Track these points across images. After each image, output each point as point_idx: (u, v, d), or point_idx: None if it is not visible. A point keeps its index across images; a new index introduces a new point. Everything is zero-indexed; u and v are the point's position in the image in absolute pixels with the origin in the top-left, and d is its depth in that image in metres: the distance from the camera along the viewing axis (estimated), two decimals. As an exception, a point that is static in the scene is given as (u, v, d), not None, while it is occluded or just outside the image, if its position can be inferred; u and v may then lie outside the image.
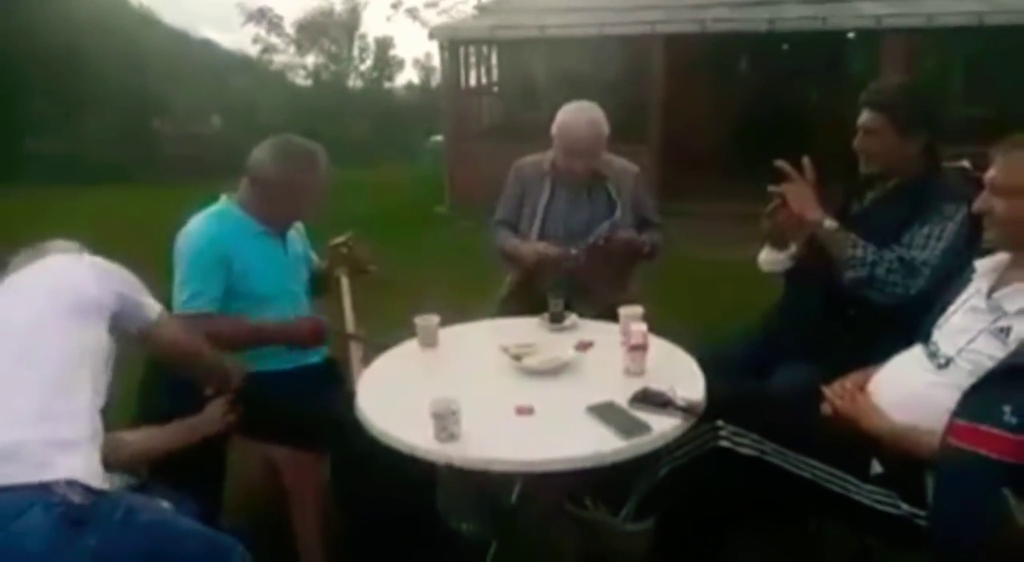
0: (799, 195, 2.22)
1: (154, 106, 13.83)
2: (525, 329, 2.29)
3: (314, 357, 2.40)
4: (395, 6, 15.65)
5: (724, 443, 1.83)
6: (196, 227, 2.24)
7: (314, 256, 2.55)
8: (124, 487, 2.00)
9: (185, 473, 2.06)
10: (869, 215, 2.27)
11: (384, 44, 15.15)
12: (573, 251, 2.69)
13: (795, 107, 8.67)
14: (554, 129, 2.78)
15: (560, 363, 1.99)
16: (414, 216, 8.02)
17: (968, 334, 1.67)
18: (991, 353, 1.59)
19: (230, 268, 2.18)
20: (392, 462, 2.03)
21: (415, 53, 16.04)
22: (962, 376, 1.62)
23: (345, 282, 2.42)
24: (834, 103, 9.12)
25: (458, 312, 2.53)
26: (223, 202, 2.30)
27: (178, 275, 2.19)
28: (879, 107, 2.18)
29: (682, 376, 1.94)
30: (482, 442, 1.66)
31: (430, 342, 2.19)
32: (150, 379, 2.29)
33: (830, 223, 2.19)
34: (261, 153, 2.21)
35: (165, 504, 1.87)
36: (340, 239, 2.46)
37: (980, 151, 2.22)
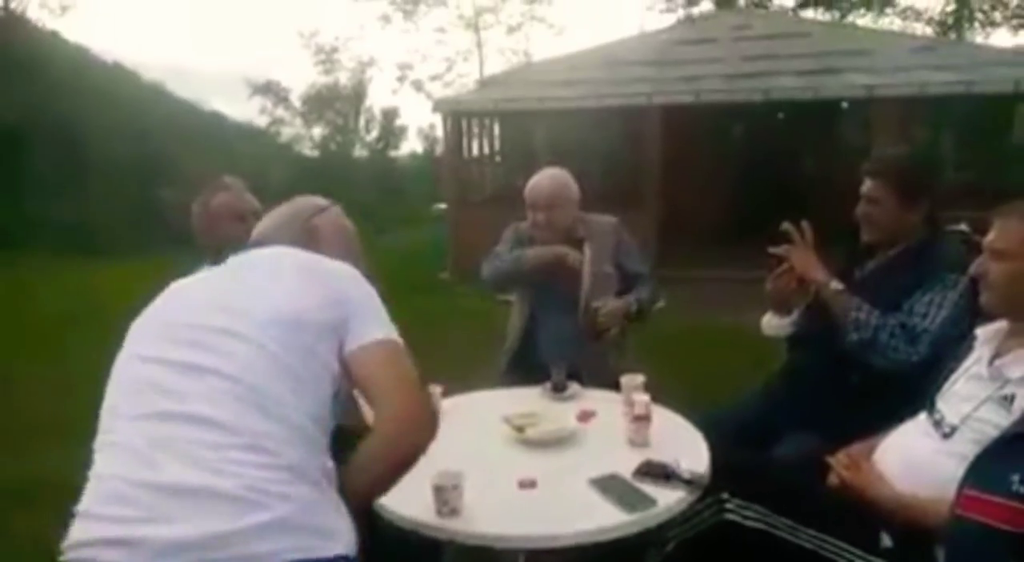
0: (803, 257, 2.26)
1: (163, 176, 14.05)
2: (527, 399, 2.28)
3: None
4: (400, 79, 16.19)
5: (731, 516, 1.80)
6: None
7: None
8: None
9: None
10: (870, 283, 2.28)
11: (390, 115, 15.55)
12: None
13: (789, 175, 8.81)
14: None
15: (562, 435, 1.98)
16: (418, 282, 8.07)
17: (972, 402, 1.66)
18: (996, 421, 1.58)
19: None
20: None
21: (419, 123, 16.36)
22: (967, 445, 1.61)
23: None
24: (828, 171, 9.32)
25: (460, 380, 2.51)
26: None
27: None
28: (881, 176, 2.22)
29: (686, 447, 1.92)
30: (485, 517, 1.64)
31: (432, 412, 2.18)
32: None
33: (836, 285, 2.22)
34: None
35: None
36: None
37: (972, 216, 2.27)
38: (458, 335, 5.38)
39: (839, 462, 1.87)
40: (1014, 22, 12.37)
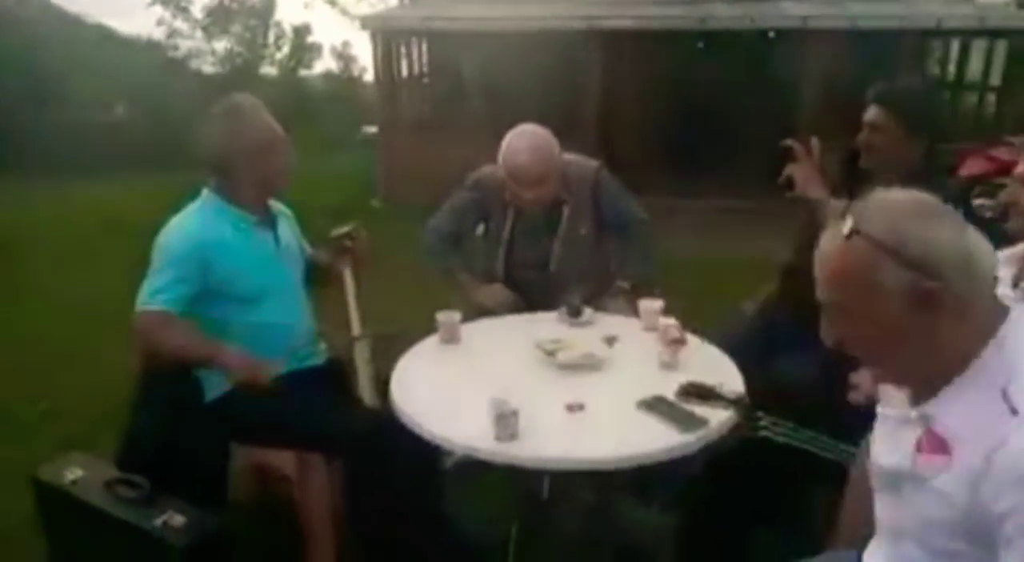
0: (805, 174, 2.28)
1: (47, 94, 12.92)
2: (545, 324, 2.26)
3: (315, 359, 2.30)
4: (313, -7, 15.31)
5: (764, 433, 1.86)
6: (177, 224, 2.11)
7: (307, 245, 2.42)
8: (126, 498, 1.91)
9: (188, 482, 1.96)
10: (869, 208, 2.35)
11: (301, 32, 14.71)
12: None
13: (720, 104, 8.94)
14: (499, 157, 2.53)
15: (595, 358, 1.97)
16: (349, 210, 7.82)
17: None
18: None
19: (211, 269, 2.04)
20: (402, 464, 2.02)
21: (333, 41, 15.54)
22: None
23: (349, 277, 2.30)
24: (758, 100, 9.51)
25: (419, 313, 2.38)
26: (204, 196, 2.17)
27: (151, 267, 2.04)
28: (888, 104, 2.25)
29: (716, 368, 1.96)
30: (541, 441, 1.63)
31: (452, 338, 2.13)
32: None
33: (835, 203, 2.27)
34: (204, 134, 2.09)
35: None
36: (343, 230, 2.31)
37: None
38: (406, 264, 5.27)
39: (860, 377, 1.94)
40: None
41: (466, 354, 2.11)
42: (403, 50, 8.58)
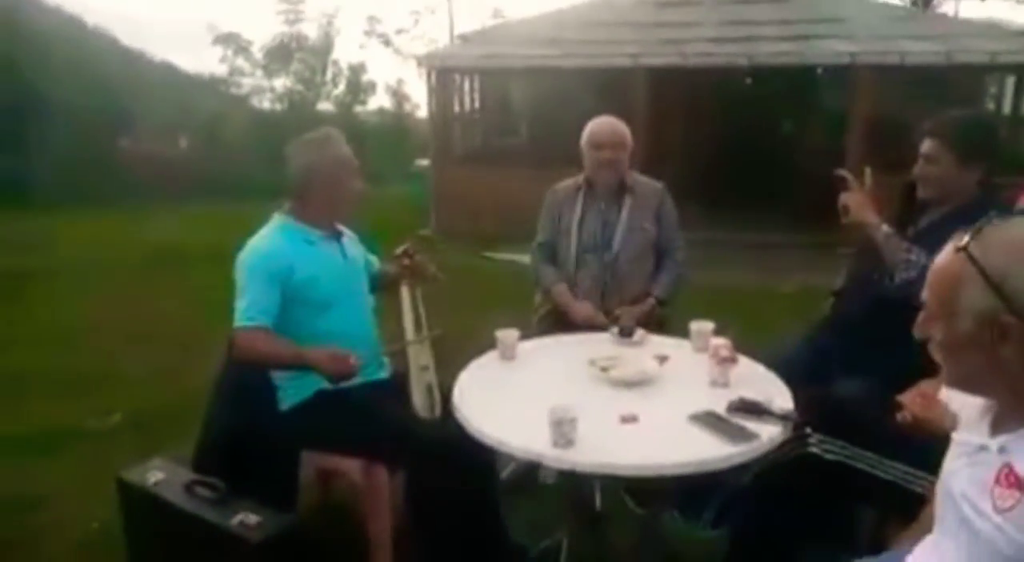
0: (858, 201, 2.37)
1: (117, 126, 13.54)
2: (597, 344, 2.36)
3: (380, 373, 2.44)
4: (368, 33, 15.83)
5: (813, 449, 1.92)
6: (255, 243, 2.30)
7: (374, 259, 2.62)
8: (205, 499, 2.04)
9: (261, 485, 2.09)
10: (923, 238, 2.40)
11: (357, 70, 15.24)
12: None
13: (769, 139, 8.99)
14: (582, 140, 2.99)
15: (647, 375, 2.06)
16: (401, 240, 8.03)
17: None
18: None
19: (289, 279, 2.22)
20: (464, 473, 2.12)
21: (387, 79, 16.03)
22: None
23: (405, 292, 2.46)
24: (806, 136, 9.54)
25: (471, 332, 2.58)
26: (276, 218, 2.36)
27: (238, 288, 2.23)
28: (940, 136, 2.32)
29: (765, 386, 2.03)
30: (596, 448, 1.72)
31: (510, 355, 2.25)
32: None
33: (886, 229, 2.34)
34: (289, 163, 2.31)
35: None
36: (400, 250, 2.51)
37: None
38: (458, 290, 5.42)
39: (910, 399, 1.99)
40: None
41: (523, 369, 2.22)
42: (456, 87, 8.85)
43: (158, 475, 2.18)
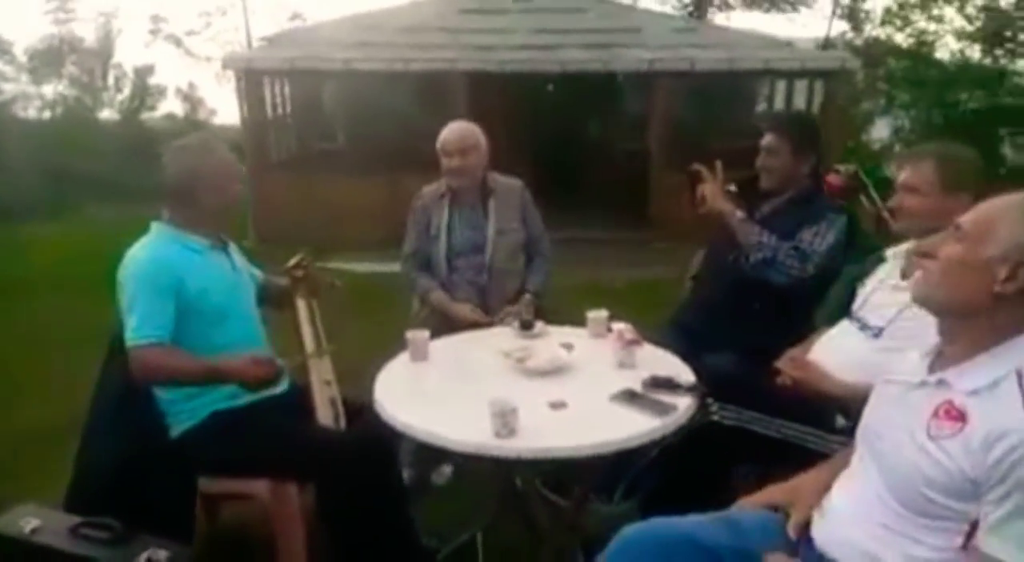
0: (713, 192, 2.63)
1: None
2: (502, 338, 2.42)
3: (280, 387, 2.34)
4: (154, 33, 14.68)
5: (715, 417, 2.11)
6: (138, 254, 2.13)
7: (257, 271, 2.50)
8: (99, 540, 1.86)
9: (152, 519, 1.95)
10: (767, 221, 2.71)
11: (143, 73, 14.04)
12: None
13: (577, 142, 9.51)
14: (437, 146, 3.01)
15: (563, 362, 2.16)
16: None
17: (895, 307, 2.09)
18: (919, 319, 2.01)
19: (181, 290, 2.09)
20: (374, 481, 2.11)
21: (178, 82, 14.89)
22: (896, 341, 2.03)
23: (302, 305, 2.38)
24: (610, 138, 10.18)
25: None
26: (156, 228, 2.21)
27: (125, 303, 2.07)
28: (778, 130, 2.64)
29: (665, 363, 2.20)
30: (536, 435, 1.79)
31: (422, 355, 2.25)
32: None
33: (740, 214, 2.61)
34: (166, 168, 2.18)
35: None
36: (293, 262, 2.42)
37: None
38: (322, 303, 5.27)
39: (786, 365, 2.25)
40: (749, 7, 14.29)
41: (440, 368, 2.24)
42: (267, 91, 8.50)
43: (33, 522, 1.93)
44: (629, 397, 1.95)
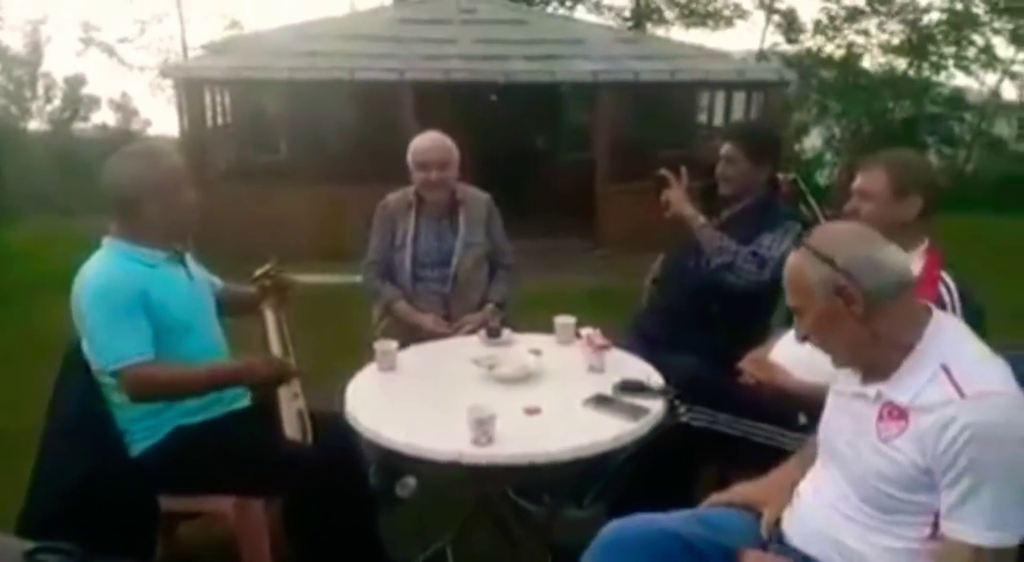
0: (677, 196, 2.69)
1: None
2: (470, 347, 2.42)
3: (240, 401, 2.29)
4: (85, 41, 14.16)
5: (683, 419, 2.15)
6: (95, 273, 2.05)
7: (216, 279, 2.43)
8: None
9: (111, 541, 1.89)
10: (725, 227, 2.77)
11: (75, 82, 13.52)
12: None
13: (524, 152, 9.58)
14: (408, 156, 2.97)
15: (530, 370, 2.17)
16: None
17: None
18: None
19: (148, 302, 2.03)
20: (343, 494, 2.09)
21: (111, 93, 14.36)
22: None
23: (269, 315, 2.33)
24: (554, 148, 10.28)
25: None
26: (107, 243, 2.13)
27: (96, 328, 1.99)
28: (736, 139, 2.71)
29: (633, 367, 2.23)
30: (514, 441, 1.79)
31: (390, 366, 2.23)
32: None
33: (702, 219, 2.67)
34: (111, 178, 2.07)
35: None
36: (261, 271, 2.37)
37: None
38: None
39: (750, 365, 2.30)
40: (685, 20, 14.60)
41: (410, 378, 2.23)
42: (208, 100, 8.32)
43: (-18, 551, 1.86)
44: (601, 401, 1.98)
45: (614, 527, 1.60)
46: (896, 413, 1.41)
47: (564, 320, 2.42)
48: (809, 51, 13.67)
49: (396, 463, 2.69)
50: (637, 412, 1.93)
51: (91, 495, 2.01)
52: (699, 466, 2.31)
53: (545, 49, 8.71)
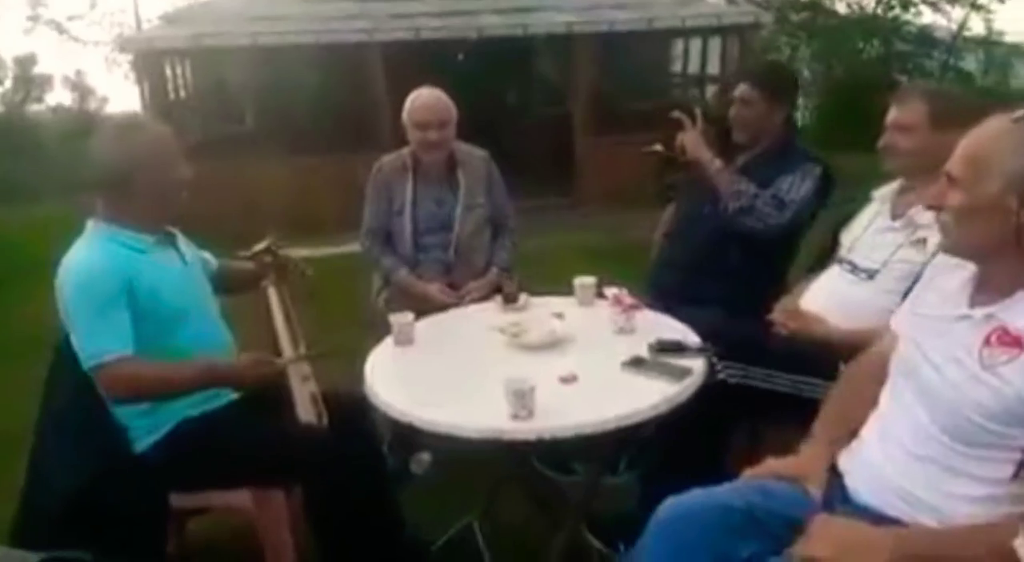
0: (693, 139, 2.56)
1: None
2: (488, 314, 2.29)
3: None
4: (33, 19, 13.53)
5: (721, 376, 2.04)
6: (77, 260, 1.88)
7: (209, 256, 2.26)
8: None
9: (120, 545, 1.76)
10: (743, 172, 2.65)
11: (25, 62, 12.92)
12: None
13: (498, 108, 9.35)
14: (404, 116, 2.81)
15: (560, 335, 2.04)
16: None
17: (889, 249, 2.06)
18: (914, 259, 1.99)
19: (132, 293, 1.86)
20: (363, 476, 1.97)
21: (64, 71, 13.75)
22: (892, 282, 2.01)
23: (273, 294, 2.17)
24: (529, 103, 10.05)
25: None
26: (92, 226, 1.96)
27: (77, 322, 1.84)
28: (753, 79, 2.57)
29: (664, 325, 2.11)
30: (554, 413, 1.67)
31: (408, 339, 2.09)
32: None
33: (718, 163, 2.55)
34: (97, 155, 1.91)
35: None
36: (262, 245, 2.21)
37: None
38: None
39: (782, 315, 2.20)
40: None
41: (430, 351, 2.08)
42: (168, 73, 7.97)
43: (-14, 564, 1.71)
44: (640, 364, 1.86)
45: (671, 504, 1.49)
46: (1008, 339, 1.28)
47: (584, 281, 2.29)
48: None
49: (410, 439, 2.58)
50: (680, 373, 1.81)
51: (96, 498, 1.87)
52: (732, 424, 2.21)
53: (517, 1, 8.45)
